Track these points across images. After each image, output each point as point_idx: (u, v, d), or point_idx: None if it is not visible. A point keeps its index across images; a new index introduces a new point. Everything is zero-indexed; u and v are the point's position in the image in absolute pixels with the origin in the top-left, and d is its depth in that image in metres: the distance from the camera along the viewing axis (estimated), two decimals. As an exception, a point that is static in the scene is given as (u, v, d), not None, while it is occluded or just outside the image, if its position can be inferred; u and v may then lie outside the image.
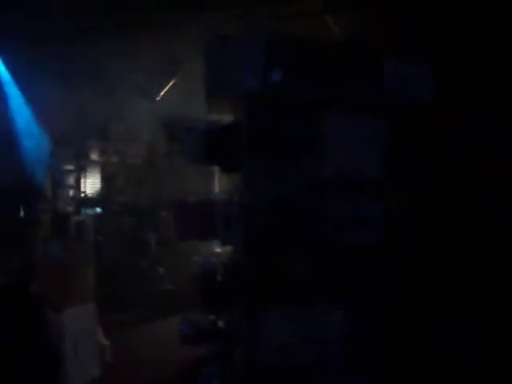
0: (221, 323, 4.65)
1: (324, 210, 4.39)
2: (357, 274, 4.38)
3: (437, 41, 4.45)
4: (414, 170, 4.52)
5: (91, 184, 8.51)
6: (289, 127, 4.45)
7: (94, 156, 8.45)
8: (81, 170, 8.17)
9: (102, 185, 8.69)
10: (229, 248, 4.87)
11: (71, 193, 7.90)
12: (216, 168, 4.89)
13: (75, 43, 5.73)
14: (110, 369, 5.50)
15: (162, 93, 7.35)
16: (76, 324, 5.19)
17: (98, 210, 8.47)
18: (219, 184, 6.16)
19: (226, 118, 4.59)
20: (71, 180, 7.97)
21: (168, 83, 7.10)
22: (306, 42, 4.38)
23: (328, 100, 4.36)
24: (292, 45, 4.32)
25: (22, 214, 6.11)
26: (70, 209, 7.74)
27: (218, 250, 5.36)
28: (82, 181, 8.25)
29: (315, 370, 4.30)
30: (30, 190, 6.39)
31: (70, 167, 7.93)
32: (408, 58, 4.51)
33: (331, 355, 4.30)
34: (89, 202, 8.31)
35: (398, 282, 4.41)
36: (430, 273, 4.36)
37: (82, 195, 8.21)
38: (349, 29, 5.26)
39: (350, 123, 4.40)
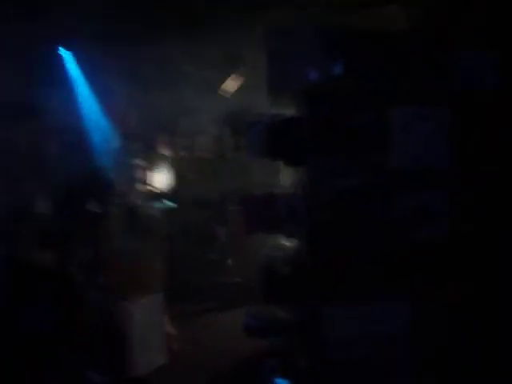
0: (284, 316, 4.69)
1: (390, 204, 4.35)
2: (423, 269, 4.33)
3: (504, 28, 4.30)
4: (483, 161, 4.40)
5: (161, 178, 8.71)
6: (352, 120, 4.44)
7: (164, 150, 8.64)
8: (151, 165, 8.36)
9: (171, 179, 8.88)
10: (294, 241, 4.90)
11: (142, 187, 8.10)
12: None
13: (141, 42, 5.88)
14: (176, 357, 5.64)
15: (227, 88, 7.41)
16: (144, 313, 5.35)
17: (169, 203, 8.67)
18: (285, 177, 6.17)
19: (290, 111, 4.60)
20: (141, 174, 8.17)
21: (233, 79, 7.16)
22: (369, 33, 4.34)
23: (393, 91, 4.30)
24: (354, 37, 4.29)
25: (93, 207, 6.33)
26: (141, 203, 7.94)
27: (285, 242, 5.39)
28: (152, 175, 8.44)
29: (379, 366, 4.26)
30: (101, 184, 6.61)
31: (140, 162, 8.13)
32: (475, 46, 4.40)
33: (395, 351, 4.26)
34: (159, 195, 8.51)
35: (463, 276, 4.32)
36: (496, 267, 4.24)
37: (152, 189, 8.40)
38: (415, 18, 5.15)
39: (415, 114, 4.33)
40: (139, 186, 8.10)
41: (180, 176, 9.00)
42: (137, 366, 5.17)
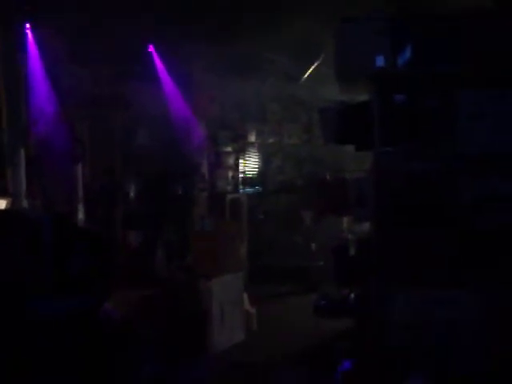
0: (353, 299, 4.79)
1: (458, 189, 4.32)
2: (490, 256, 4.26)
3: None
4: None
5: (250, 164, 8.98)
6: (421, 105, 4.44)
7: (252, 137, 8.90)
8: (239, 151, 8.64)
9: (260, 165, 9.13)
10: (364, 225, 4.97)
11: (230, 173, 8.39)
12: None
13: (220, 37, 6.13)
14: (254, 335, 5.88)
15: (306, 76, 7.53)
16: (224, 292, 5.62)
17: (258, 188, 8.93)
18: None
19: (360, 98, 4.66)
20: (231, 161, 8.45)
21: (310, 67, 7.26)
22: (434, 17, 4.32)
23: (461, 75, 4.26)
24: (420, 21, 4.29)
25: (180, 192, 6.67)
26: (229, 188, 8.24)
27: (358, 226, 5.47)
28: (241, 161, 8.72)
29: (445, 353, 4.24)
30: (188, 170, 6.95)
31: (229, 149, 8.42)
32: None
33: (461, 338, 4.22)
34: (248, 181, 8.79)
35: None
36: None
37: (241, 175, 8.69)
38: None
39: (484, 97, 4.26)
40: (228, 173, 8.39)
41: (269, 162, 9.25)
42: (216, 342, 5.44)
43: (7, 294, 2.94)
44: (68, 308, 2.99)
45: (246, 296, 6.06)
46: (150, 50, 6.67)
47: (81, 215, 6.28)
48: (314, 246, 8.24)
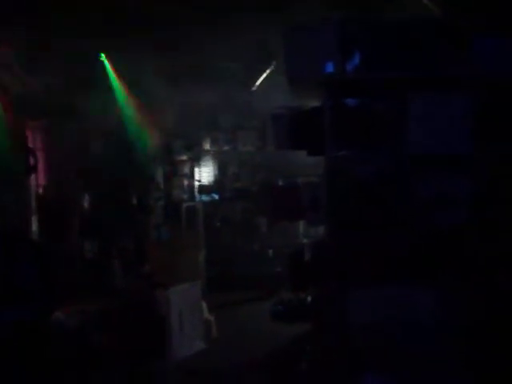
0: (310, 303, 4.84)
1: (411, 190, 4.42)
2: (447, 255, 4.37)
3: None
4: (506, 146, 4.39)
5: (205, 172, 8.99)
6: (372, 109, 4.54)
7: (207, 145, 8.91)
8: (195, 160, 8.64)
9: (216, 172, 9.15)
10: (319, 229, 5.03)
11: (186, 181, 8.37)
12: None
13: (170, 48, 6.16)
14: (214, 343, 5.87)
15: (258, 83, 7.59)
16: (182, 300, 5.61)
17: (214, 196, 8.94)
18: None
19: (313, 103, 4.73)
20: (186, 169, 8.44)
21: (263, 74, 7.34)
22: (383, 23, 4.42)
23: (409, 79, 4.37)
24: (368, 27, 4.39)
25: (135, 202, 6.63)
26: (185, 196, 8.23)
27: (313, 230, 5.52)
28: (196, 169, 8.72)
29: (403, 352, 4.31)
30: (142, 180, 6.91)
31: (184, 157, 8.41)
32: (498, 32, 4.40)
33: (420, 338, 4.30)
34: (204, 189, 8.79)
35: (487, 263, 4.33)
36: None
37: (197, 183, 8.68)
38: (431, 5, 5.17)
39: (433, 101, 4.38)
40: (184, 181, 8.37)
41: (224, 169, 9.27)
42: (176, 350, 5.42)
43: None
44: (14, 318, 2.95)
45: (204, 304, 6.05)
46: (101, 58, 6.63)
47: (34, 227, 6.19)
48: (270, 252, 8.29)
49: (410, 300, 4.30)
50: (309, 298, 5.05)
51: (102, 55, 6.56)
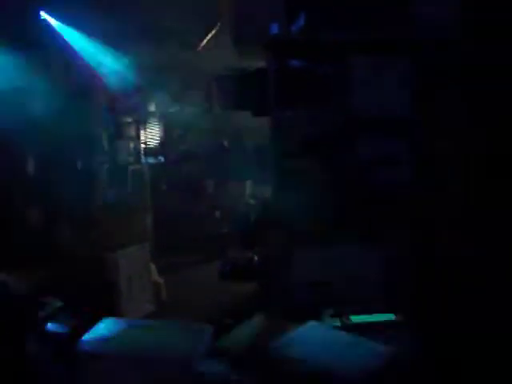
0: (256, 261, 4.94)
1: (354, 150, 4.52)
2: (389, 214, 4.49)
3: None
4: (446, 110, 4.51)
5: (151, 134, 8.90)
6: (315, 71, 4.59)
7: (152, 107, 8.81)
8: (140, 122, 8.53)
9: (161, 134, 9.07)
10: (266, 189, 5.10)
11: (132, 144, 8.26)
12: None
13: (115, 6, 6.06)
14: (164, 305, 5.91)
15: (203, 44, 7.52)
16: (130, 264, 5.61)
17: (160, 158, 8.88)
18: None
19: (259, 64, 4.74)
20: (131, 132, 8.32)
21: (208, 35, 7.27)
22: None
23: (353, 41, 4.42)
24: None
25: (79, 166, 6.52)
26: (131, 159, 8.14)
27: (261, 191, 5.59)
28: (142, 132, 8.62)
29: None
30: (89, 143, 6.80)
31: (129, 119, 8.29)
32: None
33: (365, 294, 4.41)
34: (149, 151, 8.71)
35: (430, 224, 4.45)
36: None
37: (143, 146, 8.59)
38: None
39: (376, 64, 4.45)
40: (129, 144, 8.27)
41: (170, 131, 9.20)
42: (125, 314, 5.43)
43: None
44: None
45: (153, 267, 6.07)
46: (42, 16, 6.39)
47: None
48: (217, 213, 8.34)
49: (352, 256, 4.41)
50: (256, 258, 5.16)
51: (43, 14, 6.33)
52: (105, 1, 5.94)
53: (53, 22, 6.58)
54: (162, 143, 9.02)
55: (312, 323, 3.47)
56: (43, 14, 6.45)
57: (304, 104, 4.53)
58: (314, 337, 3.38)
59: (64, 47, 6.71)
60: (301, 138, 4.54)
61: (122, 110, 7.78)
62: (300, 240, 4.45)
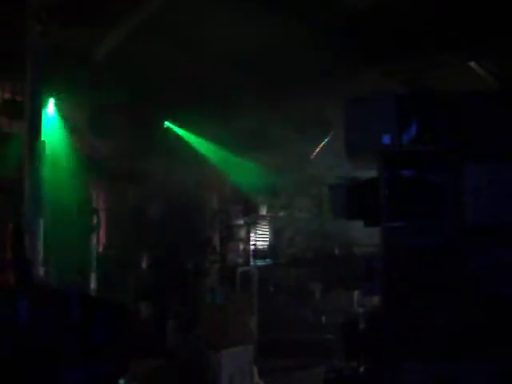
0: (364, 372, 4.76)
1: (468, 260, 4.40)
2: (504, 328, 4.28)
3: None
4: None
5: (261, 237, 9.08)
6: (427, 180, 4.59)
7: (264, 211, 9.04)
8: (251, 224, 8.75)
9: (271, 237, 9.23)
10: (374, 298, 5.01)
11: (242, 246, 8.47)
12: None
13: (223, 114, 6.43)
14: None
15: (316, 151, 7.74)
16: (233, 364, 5.62)
17: (269, 261, 8.99)
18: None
19: (371, 174, 4.81)
20: (242, 233, 8.55)
21: (321, 143, 7.50)
22: (441, 94, 4.52)
23: (466, 150, 4.41)
24: (427, 100, 4.49)
25: (191, 264, 6.75)
26: (240, 260, 8.31)
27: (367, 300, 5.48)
28: (252, 234, 8.82)
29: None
30: (200, 243, 7.05)
31: (241, 222, 8.54)
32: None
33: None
34: (259, 253, 8.86)
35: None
36: None
37: (252, 247, 8.77)
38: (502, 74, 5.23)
39: (490, 171, 4.40)
40: (240, 245, 8.48)
41: (280, 235, 9.35)
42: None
43: (41, 361, 3.01)
44: (91, 376, 3.04)
45: (255, 369, 6.03)
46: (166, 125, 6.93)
47: (93, 285, 6.37)
48: (323, 319, 8.22)
49: (460, 377, 4.20)
50: (361, 368, 4.99)
51: (167, 122, 6.85)
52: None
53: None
54: (272, 246, 9.15)
55: None
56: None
57: (416, 214, 4.51)
58: None
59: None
60: (411, 248, 4.48)
61: (235, 213, 8.04)
62: (407, 354, 4.29)
